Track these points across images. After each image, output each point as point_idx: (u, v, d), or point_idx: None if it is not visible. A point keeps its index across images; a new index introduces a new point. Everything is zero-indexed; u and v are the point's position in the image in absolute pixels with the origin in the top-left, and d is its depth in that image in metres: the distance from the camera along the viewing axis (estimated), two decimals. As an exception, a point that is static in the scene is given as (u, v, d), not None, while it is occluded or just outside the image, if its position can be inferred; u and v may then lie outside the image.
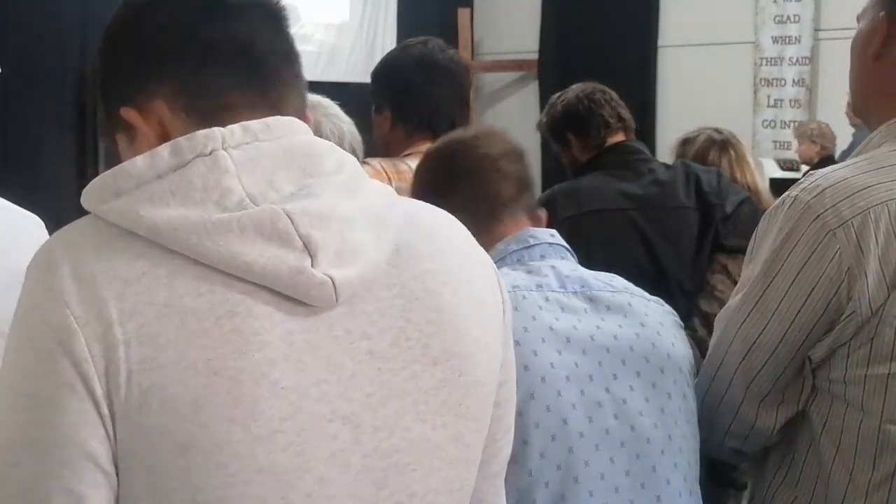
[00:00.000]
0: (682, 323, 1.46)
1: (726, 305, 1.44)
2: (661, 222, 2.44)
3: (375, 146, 2.26)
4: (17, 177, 4.79)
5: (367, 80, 2.28)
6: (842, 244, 1.31)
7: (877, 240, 1.31)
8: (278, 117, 0.82)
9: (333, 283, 0.76)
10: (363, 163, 2.10)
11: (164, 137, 0.82)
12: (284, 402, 0.74)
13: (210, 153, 0.77)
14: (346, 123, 1.92)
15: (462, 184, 1.40)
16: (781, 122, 7.01)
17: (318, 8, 7.39)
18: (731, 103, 6.82)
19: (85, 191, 0.79)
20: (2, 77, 4.81)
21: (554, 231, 1.42)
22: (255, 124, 0.80)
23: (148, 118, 0.84)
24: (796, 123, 6.71)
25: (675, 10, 7.57)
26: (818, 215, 1.33)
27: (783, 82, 7.10)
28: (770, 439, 1.41)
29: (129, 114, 0.84)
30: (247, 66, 0.84)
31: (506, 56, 8.30)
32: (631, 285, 1.42)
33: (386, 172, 2.06)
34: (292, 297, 0.76)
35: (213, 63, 0.83)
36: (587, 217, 2.45)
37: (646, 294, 1.42)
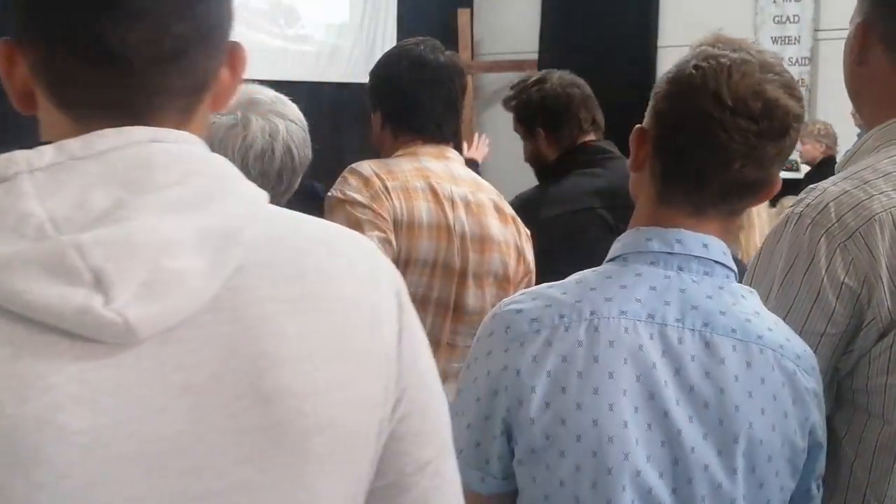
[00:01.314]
0: (814, 393, 1.23)
1: None
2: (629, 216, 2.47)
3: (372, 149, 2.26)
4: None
5: (367, 80, 2.28)
6: (854, 255, 1.34)
7: (884, 247, 1.33)
8: (106, 130, 0.73)
9: (128, 322, 0.68)
10: (350, 170, 2.07)
11: (30, 99, 0.79)
12: (72, 447, 0.68)
13: (12, 177, 0.71)
14: (288, 121, 1.84)
15: (687, 140, 1.19)
16: (781, 122, 7.01)
17: (318, 8, 7.40)
18: (731, 103, 6.82)
19: None
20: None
21: (710, 240, 1.22)
22: (72, 142, 0.73)
23: (13, 68, 0.78)
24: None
25: (675, 10, 7.57)
26: (826, 230, 1.36)
27: (783, 82, 7.10)
28: None
29: (2, 44, 0.78)
30: (106, 68, 0.75)
31: (506, 56, 8.30)
32: (776, 330, 1.22)
33: (378, 176, 2.05)
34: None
35: (64, 53, 0.75)
36: (576, 216, 2.48)
37: (784, 347, 1.21)
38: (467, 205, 2.11)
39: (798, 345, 1.24)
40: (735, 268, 1.25)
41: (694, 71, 1.19)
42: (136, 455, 0.71)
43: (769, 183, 1.23)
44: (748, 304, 1.23)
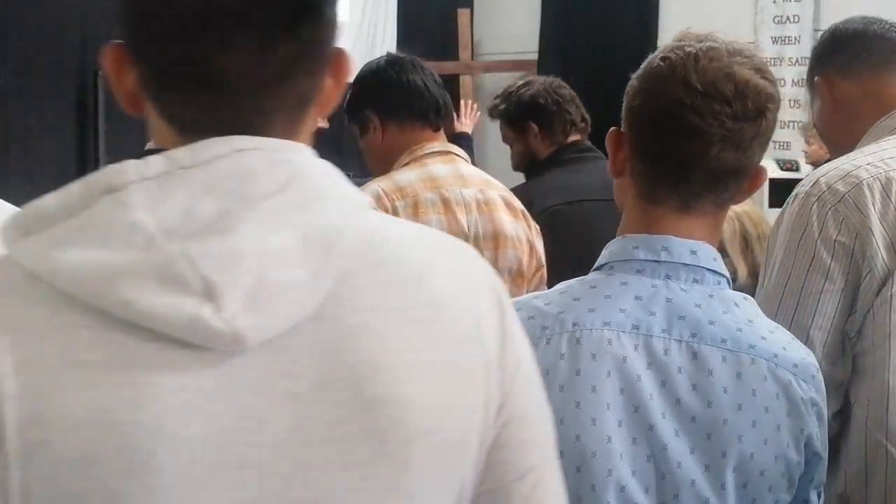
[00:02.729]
0: (811, 403, 1.20)
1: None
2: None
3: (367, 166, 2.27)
4: (17, 177, 4.79)
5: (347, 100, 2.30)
6: (844, 215, 1.47)
7: (874, 206, 1.46)
8: (212, 139, 0.75)
9: (237, 332, 0.70)
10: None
11: (136, 103, 0.80)
12: (183, 453, 0.70)
13: (122, 187, 0.72)
14: None
15: (668, 134, 1.17)
16: (781, 122, 6.96)
17: (318, 8, 7.39)
18: (731, 103, 6.81)
19: (1, 227, 0.75)
20: (2, 78, 4.81)
21: (699, 247, 1.18)
22: (180, 151, 0.74)
23: (122, 73, 0.80)
24: (801, 123, 6.71)
25: (675, 10, 7.56)
26: (817, 198, 1.50)
27: (783, 82, 7.09)
28: (832, 427, 1.48)
29: (114, 48, 0.80)
30: (210, 91, 0.76)
31: (506, 56, 8.29)
32: (771, 338, 1.18)
33: (387, 197, 2.06)
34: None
35: (169, 74, 0.77)
36: (574, 206, 2.49)
37: (780, 356, 1.18)
38: (478, 204, 2.12)
39: (796, 353, 1.21)
40: (727, 273, 1.22)
41: (661, 63, 1.18)
42: (243, 461, 0.72)
43: (751, 168, 1.20)
44: (741, 313, 1.19)
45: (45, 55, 5.23)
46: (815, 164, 5.86)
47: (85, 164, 5.44)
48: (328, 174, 0.79)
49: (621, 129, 1.23)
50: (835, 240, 1.46)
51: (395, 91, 2.17)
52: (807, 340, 1.45)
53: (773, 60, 7.18)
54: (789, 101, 7.06)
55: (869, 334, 1.48)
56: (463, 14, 7.99)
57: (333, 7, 0.80)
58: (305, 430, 0.74)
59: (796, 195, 1.54)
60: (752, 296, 2.70)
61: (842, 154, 1.67)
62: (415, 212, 2.05)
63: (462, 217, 2.09)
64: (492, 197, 2.15)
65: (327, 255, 0.74)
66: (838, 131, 1.71)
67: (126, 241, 0.70)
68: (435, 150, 2.15)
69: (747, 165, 1.19)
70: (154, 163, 0.73)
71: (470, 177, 2.16)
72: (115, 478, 0.69)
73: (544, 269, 2.23)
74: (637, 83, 1.22)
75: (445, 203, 2.08)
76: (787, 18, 7.12)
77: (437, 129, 2.18)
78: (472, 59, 7.89)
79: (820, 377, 1.23)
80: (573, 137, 2.75)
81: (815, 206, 1.49)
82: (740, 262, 2.57)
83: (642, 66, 1.23)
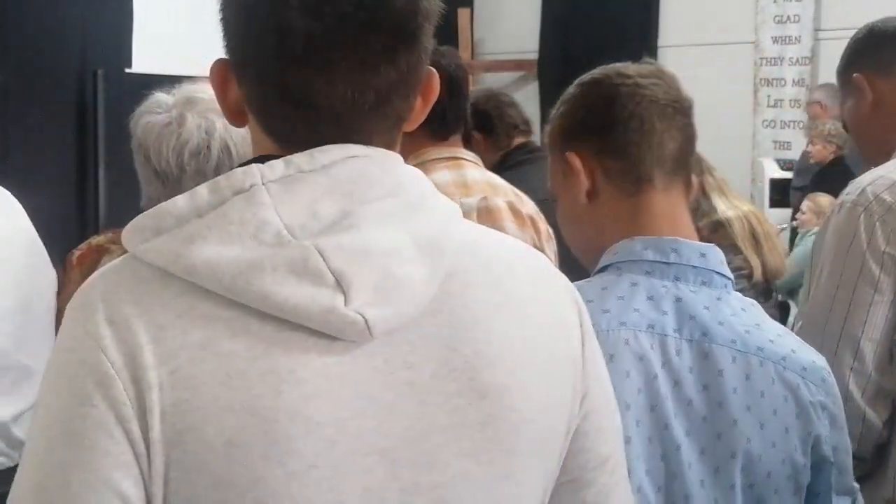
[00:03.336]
0: (821, 406, 1.20)
1: (802, 323, 1.56)
2: None
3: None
4: (16, 177, 4.79)
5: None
6: (892, 225, 1.48)
7: None
8: (329, 146, 0.80)
9: (366, 322, 0.75)
10: None
11: (241, 117, 0.85)
12: (319, 438, 0.75)
13: (249, 188, 0.77)
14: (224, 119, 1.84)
15: (620, 125, 1.22)
16: (781, 122, 7.01)
17: (318, 8, 7.39)
18: (731, 103, 6.82)
19: (125, 229, 0.79)
20: (2, 79, 4.81)
21: (707, 249, 1.20)
22: (298, 157, 0.79)
23: (227, 89, 0.85)
24: (802, 124, 6.71)
25: (675, 10, 7.56)
26: (865, 208, 1.51)
27: (783, 82, 7.10)
28: (882, 435, 1.50)
29: (220, 65, 0.85)
30: (312, 115, 0.81)
31: (506, 56, 8.30)
32: (779, 341, 1.19)
33: None
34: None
35: (273, 96, 0.82)
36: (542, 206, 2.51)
37: (788, 359, 1.18)
38: (480, 213, 2.08)
39: (806, 356, 1.21)
40: (732, 277, 1.23)
41: (593, 82, 1.29)
42: (372, 447, 0.77)
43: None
44: (748, 317, 1.20)
45: (45, 55, 5.23)
46: (820, 163, 5.85)
47: (85, 164, 5.44)
48: (426, 183, 0.86)
49: (577, 152, 1.25)
50: (883, 251, 1.48)
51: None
52: (857, 351, 1.48)
53: (773, 60, 7.18)
54: (790, 101, 7.06)
55: None
56: (463, 14, 7.99)
57: (429, 34, 0.85)
58: (426, 417, 0.78)
59: (842, 204, 1.55)
60: (766, 294, 2.72)
61: (875, 153, 1.68)
62: None
63: None
64: (496, 205, 2.11)
65: (438, 254, 0.80)
66: (875, 131, 1.69)
67: (257, 238, 0.75)
68: (441, 156, 2.13)
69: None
70: (276, 166, 0.78)
71: (475, 184, 2.12)
72: (258, 462, 0.72)
73: None
74: (578, 103, 1.29)
75: None
76: (788, 18, 7.11)
77: (444, 138, 2.14)
78: (473, 58, 7.89)
79: (831, 381, 1.23)
80: (518, 140, 2.75)
81: (862, 217, 1.50)
82: (755, 259, 2.59)
83: (568, 100, 1.30)
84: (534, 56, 8.14)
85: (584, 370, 0.89)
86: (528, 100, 8.16)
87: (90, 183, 5.21)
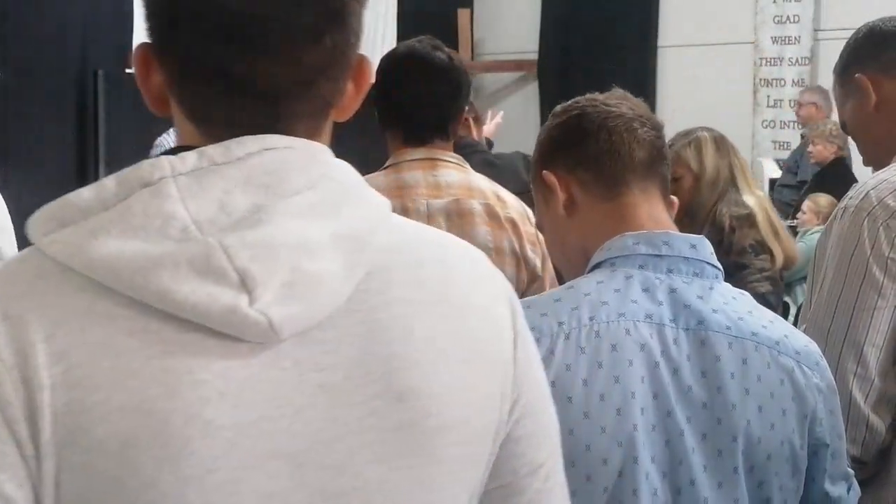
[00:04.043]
0: (817, 389, 1.23)
1: (805, 327, 1.53)
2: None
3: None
4: (17, 177, 4.79)
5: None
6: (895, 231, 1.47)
7: None
8: (246, 137, 0.76)
9: (271, 322, 0.71)
10: None
11: (164, 104, 0.81)
12: (218, 441, 0.71)
13: (157, 181, 0.73)
14: None
15: (590, 139, 1.29)
16: (781, 122, 7.02)
17: (318, 8, 7.39)
18: (731, 103, 6.83)
19: (31, 219, 0.75)
20: (2, 79, 4.81)
21: (698, 241, 1.24)
22: (212, 148, 0.75)
23: (149, 73, 0.80)
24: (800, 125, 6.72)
25: (675, 10, 7.57)
26: (868, 213, 1.50)
27: (783, 82, 7.10)
28: (884, 440, 1.49)
29: (141, 49, 0.81)
30: (236, 97, 0.78)
31: (506, 56, 8.30)
32: (771, 327, 1.23)
33: None
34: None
35: (196, 79, 0.78)
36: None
37: (782, 343, 1.22)
38: (448, 216, 2.04)
39: (799, 341, 1.24)
40: (721, 268, 1.26)
41: (564, 109, 1.35)
42: (277, 451, 0.73)
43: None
44: (739, 304, 1.23)
45: (45, 55, 5.23)
46: (821, 163, 5.85)
47: (85, 164, 5.45)
48: (353, 176, 0.81)
49: (553, 172, 1.31)
50: (887, 256, 1.47)
51: (382, 104, 2.13)
52: (861, 356, 1.48)
53: (773, 60, 7.19)
54: (789, 101, 7.07)
55: None
56: (463, 14, 8.00)
57: (359, 16, 0.81)
58: (338, 421, 0.76)
59: (845, 208, 1.54)
60: (781, 281, 2.74)
61: (876, 155, 1.67)
62: None
63: None
64: (469, 207, 2.06)
65: (357, 250, 0.76)
66: (878, 132, 1.67)
67: (162, 232, 0.72)
68: (416, 157, 2.10)
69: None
70: (188, 158, 0.74)
71: (448, 186, 2.07)
72: (150, 464, 0.70)
73: (543, 281, 2.13)
74: (553, 132, 1.35)
75: (405, 213, 2.00)
76: (787, 18, 7.12)
77: (420, 145, 2.11)
78: (473, 58, 7.89)
79: (824, 364, 1.26)
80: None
81: (866, 222, 1.49)
82: (776, 247, 2.62)
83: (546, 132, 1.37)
84: (534, 56, 8.15)
85: (516, 373, 0.86)
86: (528, 100, 8.17)
87: (90, 183, 5.21)
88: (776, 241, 2.64)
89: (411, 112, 2.07)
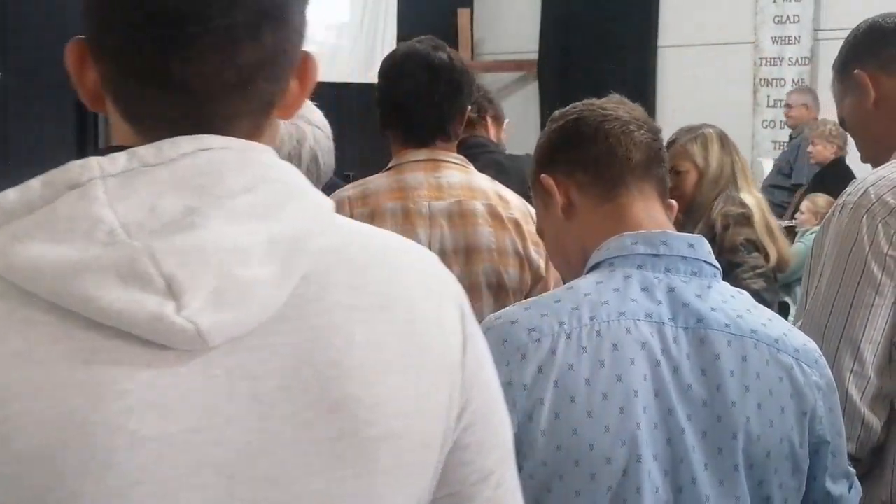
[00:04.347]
0: (816, 387, 1.23)
1: (802, 323, 1.53)
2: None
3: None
4: (17, 177, 4.78)
5: (367, 80, 2.25)
6: (895, 227, 1.47)
7: None
8: (179, 138, 0.74)
9: (199, 330, 0.69)
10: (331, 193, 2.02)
11: (99, 101, 0.80)
12: (144, 452, 0.69)
13: (85, 183, 0.71)
14: (314, 127, 1.78)
15: (587, 142, 1.31)
16: (781, 122, 7.01)
17: (318, 8, 7.36)
18: (731, 103, 6.83)
19: None
20: (2, 79, 4.82)
21: (695, 240, 1.25)
22: (144, 149, 0.73)
23: (84, 70, 0.79)
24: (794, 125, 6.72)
25: (675, 10, 7.57)
26: (867, 209, 1.49)
27: (783, 82, 7.10)
28: (879, 438, 1.49)
29: (76, 45, 0.79)
30: (172, 96, 0.76)
31: (506, 56, 8.31)
32: (770, 325, 1.23)
33: (350, 204, 1.99)
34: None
35: (131, 77, 0.76)
36: None
37: (781, 341, 1.22)
38: (450, 217, 2.03)
39: (797, 339, 1.25)
40: (720, 266, 1.27)
41: (561, 115, 1.37)
42: (206, 463, 0.71)
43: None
44: (738, 303, 1.24)
45: (45, 55, 5.23)
46: (821, 163, 5.85)
47: (85, 164, 5.45)
48: (298, 177, 0.79)
49: (551, 175, 1.33)
50: (886, 254, 1.47)
51: (383, 104, 2.13)
52: (857, 353, 1.48)
53: (773, 60, 7.19)
54: (789, 101, 7.07)
55: None
56: (463, 14, 8.00)
57: (300, 13, 0.80)
58: (271, 431, 0.73)
59: (843, 205, 1.53)
60: (774, 281, 2.75)
61: (875, 152, 1.66)
62: (370, 221, 1.98)
63: (422, 230, 2.01)
64: (471, 208, 2.05)
65: (294, 254, 0.73)
66: (877, 129, 1.66)
67: (88, 236, 0.69)
68: (419, 158, 2.10)
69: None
70: (118, 159, 0.72)
71: (450, 187, 2.06)
72: (74, 476, 0.68)
73: (547, 282, 2.13)
74: (554, 136, 1.37)
75: (406, 214, 2.02)
76: (787, 18, 7.12)
77: (420, 145, 2.11)
78: (473, 58, 7.90)
79: (823, 362, 1.27)
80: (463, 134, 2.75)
81: (865, 219, 1.49)
82: (772, 247, 2.63)
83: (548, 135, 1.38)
84: (534, 56, 8.15)
85: (464, 378, 0.83)
86: (528, 100, 8.17)
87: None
88: (771, 241, 2.66)
89: (410, 112, 2.07)
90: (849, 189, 1.55)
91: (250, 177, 0.74)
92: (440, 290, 0.84)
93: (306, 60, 0.83)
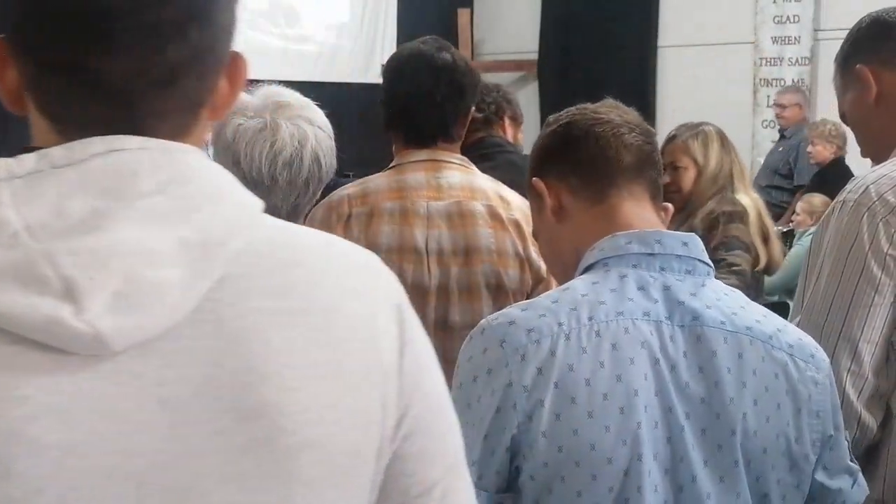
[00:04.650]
0: (813, 382, 1.23)
1: (799, 320, 1.53)
2: None
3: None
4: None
5: (367, 80, 2.25)
6: (895, 226, 1.45)
7: None
8: (91, 139, 0.72)
9: (99, 334, 0.67)
10: (328, 197, 2.02)
11: (20, 101, 0.78)
12: (45, 461, 0.67)
13: None
14: (316, 128, 1.79)
15: (578, 145, 1.32)
16: (781, 122, 7.01)
17: (318, 8, 7.40)
18: (731, 103, 6.83)
19: None
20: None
21: (689, 238, 1.26)
22: (55, 150, 0.71)
23: (4, 69, 0.77)
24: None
25: (675, 10, 7.57)
26: (868, 208, 1.47)
27: (783, 82, 7.10)
28: (875, 437, 1.49)
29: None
30: (94, 94, 0.74)
31: (506, 56, 8.30)
32: (765, 321, 1.24)
33: (349, 203, 2.00)
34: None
35: (51, 75, 0.74)
36: None
37: (775, 337, 1.23)
38: (449, 217, 2.03)
39: (792, 335, 1.25)
40: (712, 265, 1.28)
41: (555, 119, 1.38)
42: (113, 471, 0.69)
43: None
44: (732, 300, 1.24)
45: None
46: (821, 163, 5.85)
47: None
48: (221, 177, 0.76)
49: (543, 179, 1.33)
50: (886, 253, 1.46)
51: (387, 104, 2.13)
52: (855, 353, 1.47)
53: (773, 60, 7.19)
54: (789, 101, 7.06)
55: None
56: (463, 14, 8.00)
57: (229, 13, 0.78)
58: (182, 439, 0.70)
59: (844, 202, 1.51)
60: (755, 281, 2.75)
61: (875, 148, 1.65)
62: (368, 220, 1.99)
63: (419, 231, 2.00)
64: (471, 209, 2.05)
65: (206, 256, 0.71)
66: (877, 125, 1.64)
67: None
68: (419, 158, 2.09)
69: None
70: (26, 161, 0.71)
71: (449, 188, 2.06)
72: None
73: (548, 283, 2.12)
74: (548, 140, 1.37)
75: (404, 214, 2.02)
76: (787, 18, 7.12)
77: (422, 146, 2.09)
78: (473, 58, 7.88)
79: (821, 356, 1.27)
80: (474, 136, 2.72)
81: (865, 217, 1.47)
82: (762, 250, 2.64)
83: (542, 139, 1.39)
84: (534, 56, 8.15)
85: (402, 385, 0.79)
86: (528, 100, 8.16)
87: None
88: (763, 244, 2.65)
89: (413, 113, 2.07)
90: (848, 187, 1.54)
91: (164, 178, 0.72)
92: (373, 293, 0.81)
93: (236, 60, 0.81)
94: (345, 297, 0.78)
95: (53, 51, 0.73)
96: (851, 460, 1.30)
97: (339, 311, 0.78)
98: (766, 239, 2.69)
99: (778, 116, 6.53)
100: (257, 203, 0.78)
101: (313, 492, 0.75)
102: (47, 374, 0.68)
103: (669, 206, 1.36)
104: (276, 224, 0.80)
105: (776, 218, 4.93)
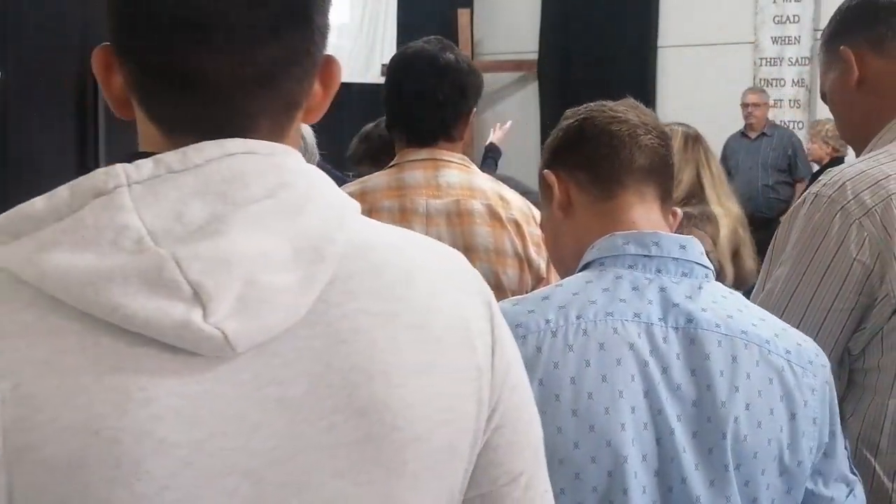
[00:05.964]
0: (810, 389, 1.22)
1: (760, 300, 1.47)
2: None
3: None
4: (17, 177, 4.79)
5: (368, 80, 2.25)
6: (869, 231, 1.37)
7: None
8: (203, 143, 0.75)
9: (226, 336, 0.70)
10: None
11: (127, 106, 0.81)
12: (171, 459, 0.70)
13: (111, 190, 0.71)
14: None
15: (592, 142, 1.31)
16: (781, 122, 7.01)
17: (318, 8, 7.40)
18: (731, 103, 6.83)
19: None
20: (2, 79, 4.81)
21: (687, 241, 1.25)
22: (170, 155, 0.74)
23: (111, 76, 0.80)
24: (801, 124, 6.73)
25: (675, 10, 7.57)
26: (842, 207, 1.39)
27: (783, 82, 7.11)
28: None
29: (102, 51, 0.80)
30: (194, 93, 0.77)
31: (506, 56, 8.31)
32: (762, 325, 1.23)
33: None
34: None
35: (154, 76, 0.77)
36: None
37: (772, 342, 1.22)
38: (448, 217, 2.04)
39: (791, 339, 1.24)
40: (712, 267, 1.27)
41: (572, 113, 1.37)
42: (234, 468, 0.72)
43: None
44: (729, 303, 1.23)
45: (45, 55, 5.23)
46: (817, 162, 5.86)
47: (85, 164, 5.45)
48: (318, 179, 0.79)
49: (553, 171, 1.33)
50: (854, 258, 1.38)
51: (389, 103, 2.14)
52: None
53: (773, 60, 7.19)
54: (789, 101, 7.08)
55: (875, 354, 1.41)
56: (463, 14, 8.00)
57: (323, 15, 0.80)
58: (298, 436, 0.74)
59: (817, 195, 1.42)
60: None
61: (853, 133, 1.59)
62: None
63: (418, 229, 1.98)
64: (470, 208, 2.06)
65: (317, 259, 0.74)
66: (857, 110, 1.56)
67: (115, 244, 0.70)
68: (419, 157, 2.10)
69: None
70: (144, 166, 0.73)
71: (449, 187, 2.07)
72: (101, 484, 0.68)
73: (547, 282, 2.11)
74: (562, 135, 1.36)
75: (403, 213, 2.02)
76: (787, 18, 7.12)
77: (423, 145, 2.10)
78: (472, 58, 7.87)
79: (819, 362, 1.25)
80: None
81: (838, 217, 1.39)
82: (728, 266, 2.50)
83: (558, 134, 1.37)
84: (534, 56, 8.15)
85: (494, 380, 0.83)
86: (527, 100, 8.17)
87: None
88: (729, 260, 2.46)
89: (414, 112, 2.08)
90: (824, 179, 1.45)
91: (273, 182, 0.75)
92: (466, 291, 0.85)
93: (329, 63, 0.83)
94: (439, 296, 0.82)
95: (154, 53, 0.76)
96: (852, 471, 1.29)
97: (435, 310, 0.81)
98: (735, 254, 2.54)
99: (751, 116, 6.54)
100: (350, 204, 0.80)
101: (418, 483, 0.79)
102: (173, 376, 0.70)
103: (679, 210, 1.35)
104: (369, 224, 0.83)
105: (783, 213, 4.95)
